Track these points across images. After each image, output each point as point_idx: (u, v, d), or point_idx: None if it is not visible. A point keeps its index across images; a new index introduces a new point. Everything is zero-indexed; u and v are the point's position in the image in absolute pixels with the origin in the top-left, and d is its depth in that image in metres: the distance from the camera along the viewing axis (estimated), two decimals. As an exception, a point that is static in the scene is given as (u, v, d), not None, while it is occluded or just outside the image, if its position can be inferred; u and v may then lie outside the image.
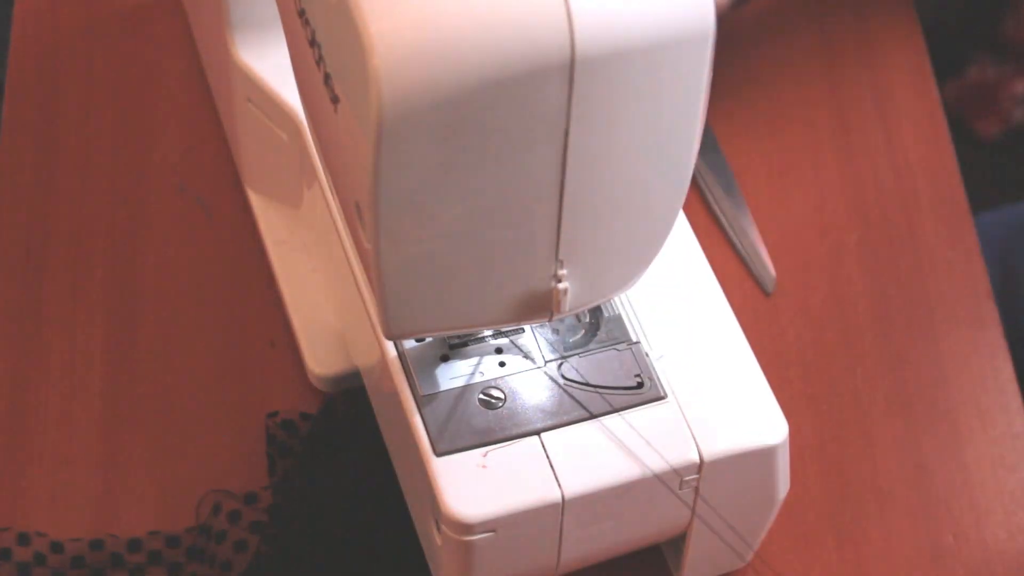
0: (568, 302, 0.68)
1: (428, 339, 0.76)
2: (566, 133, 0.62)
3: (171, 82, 1.01)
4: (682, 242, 0.81)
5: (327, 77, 0.64)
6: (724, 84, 1.01)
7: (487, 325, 0.71)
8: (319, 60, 0.65)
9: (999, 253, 1.11)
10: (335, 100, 0.64)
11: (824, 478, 0.87)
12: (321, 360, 0.87)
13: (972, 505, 0.87)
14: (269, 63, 0.86)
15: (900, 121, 1.02)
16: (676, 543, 0.81)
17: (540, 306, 0.68)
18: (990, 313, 0.94)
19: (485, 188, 0.63)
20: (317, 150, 0.73)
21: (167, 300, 0.92)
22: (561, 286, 0.67)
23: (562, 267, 0.67)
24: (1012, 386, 0.91)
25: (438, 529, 0.73)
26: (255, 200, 0.93)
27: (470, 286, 0.67)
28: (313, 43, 0.65)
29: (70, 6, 1.04)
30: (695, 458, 0.74)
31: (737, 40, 1.04)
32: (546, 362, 0.76)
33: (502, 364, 0.76)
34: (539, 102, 0.60)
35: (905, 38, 1.05)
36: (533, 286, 0.67)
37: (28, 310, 0.92)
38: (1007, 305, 1.07)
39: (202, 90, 1.00)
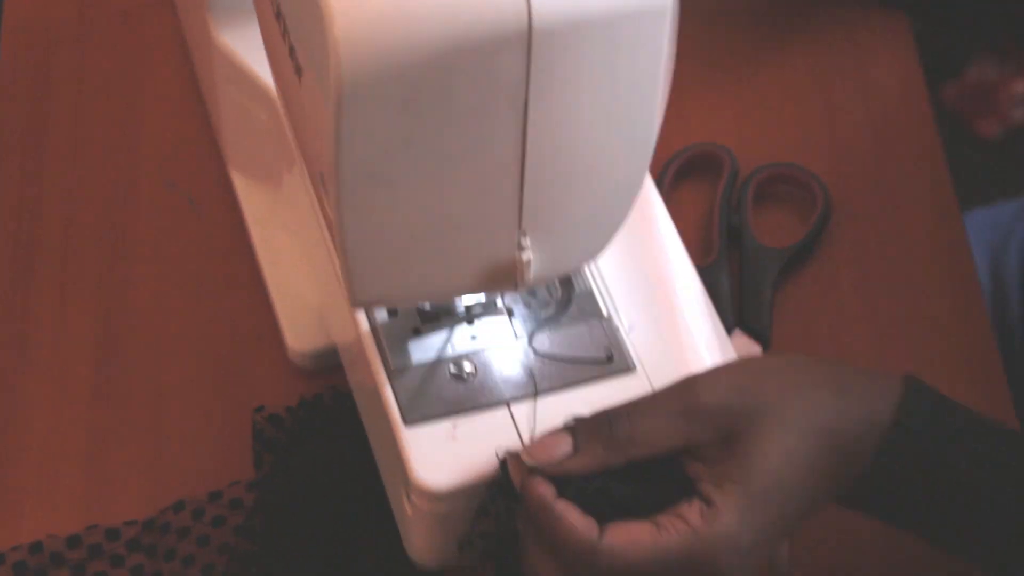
0: (532, 272, 0.69)
1: (400, 312, 0.77)
2: (526, 103, 0.63)
3: (160, 81, 1.01)
4: (652, 215, 0.81)
5: (292, 49, 0.65)
6: (715, 84, 1.02)
7: (452, 294, 0.72)
8: (284, 32, 0.66)
9: (989, 249, 1.11)
10: (299, 71, 0.65)
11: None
12: (300, 337, 0.88)
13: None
14: (248, 43, 0.87)
15: (889, 118, 1.01)
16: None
17: (504, 276, 0.69)
18: (978, 306, 0.93)
19: (445, 157, 0.63)
20: (287, 123, 0.74)
21: (156, 295, 0.93)
22: (524, 256, 0.68)
23: (525, 237, 0.67)
24: (1000, 381, 0.91)
25: (408, 499, 0.74)
26: (238, 181, 0.94)
27: (433, 255, 0.68)
28: (279, 15, 0.66)
29: (61, 5, 1.05)
30: (662, 430, 0.74)
31: (731, 44, 1.05)
32: (517, 336, 0.77)
33: (473, 337, 0.77)
34: (497, 72, 0.61)
35: (895, 39, 1.05)
36: (497, 256, 0.68)
37: (17, 306, 0.92)
38: (995, 298, 1.07)
39: (191, 89, 1.00)
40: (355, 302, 0.70)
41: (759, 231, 0.95)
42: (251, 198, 0.93)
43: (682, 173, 0.98)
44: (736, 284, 0.93)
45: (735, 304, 0.92)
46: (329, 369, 0.89)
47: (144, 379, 0.89)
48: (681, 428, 0.69)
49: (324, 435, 0.86)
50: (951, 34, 1.81)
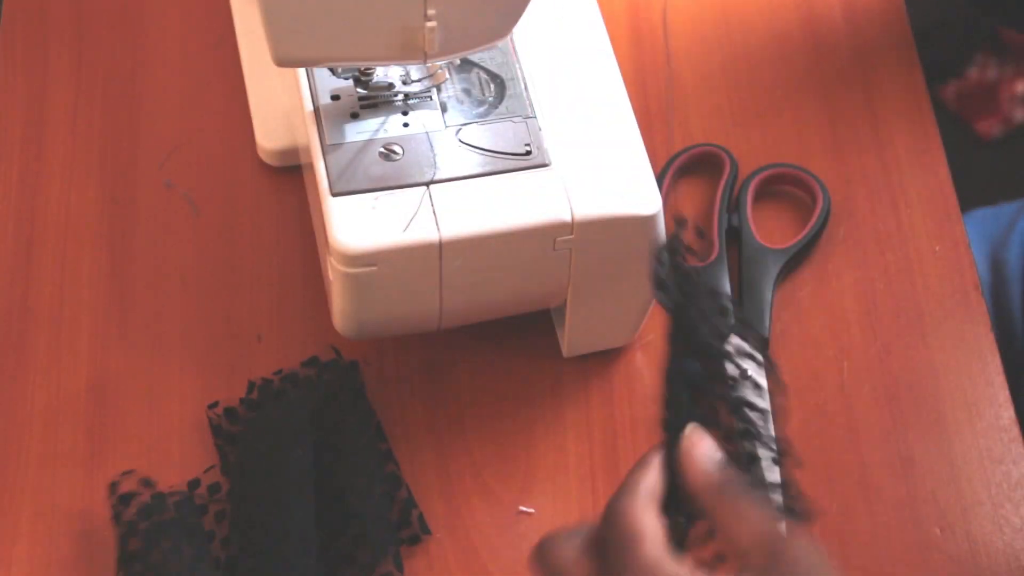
0: (437, 43, 0.74)
1: (343, 97, 0.83)
2: None
3: (158, 80, 1.01)
4: (587, 22, 0.87)
5: None
6: (715, 84, 1.02)
7: (367, 59, 0.78)
8: None
9: (989, 247, 1.10)
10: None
11: (810, 471, 0.83)
12: (269, 136, 0.95)
13: (959, 497, 0.87)
14: None
15: (889, 118, 1.01)
16: (562, 317, 0.87)
17: (413, 45, 0.75)
18: (978, 306, 0.93)
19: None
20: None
21: (154, 295, 0.93)
22: (429, 25, 0.74)
23: (431, 7, 0.74)
24: (999, 378, 0.91)
25: (330, 264, 0.80)
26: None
27: (347, 18, 0.74)
28: None
29: (60, 4, 1.04)
30: (567, 218, 0.80)
31: (730, 44, 1.04)
32: (447, 126, 0.83)
33: (406, 125, 0.83)
34: None
35: (895, 38, 1.05)
36: (405, 24, 0.74)
37: (15, 308, 0.93)
38: (996, 298, 1.07)
39: (188, 89, 1.00)
40: (277, 60, 0.76)
41: (759, 231, 0.95)
42: (243, 10, 1.00)
43: (682, 173, 0.98)
44: (736, 284, 0.94)
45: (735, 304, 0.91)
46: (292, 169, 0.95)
47: (143, 379, 0.90)
48: None
49: (279, 414, 0.86)
50: (951, 34, 1.81)
